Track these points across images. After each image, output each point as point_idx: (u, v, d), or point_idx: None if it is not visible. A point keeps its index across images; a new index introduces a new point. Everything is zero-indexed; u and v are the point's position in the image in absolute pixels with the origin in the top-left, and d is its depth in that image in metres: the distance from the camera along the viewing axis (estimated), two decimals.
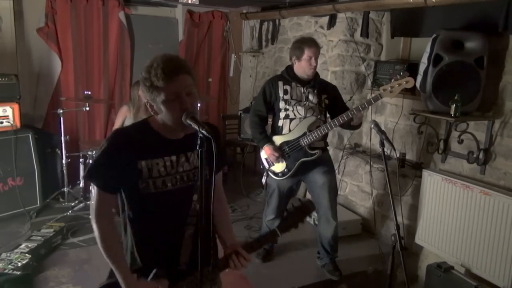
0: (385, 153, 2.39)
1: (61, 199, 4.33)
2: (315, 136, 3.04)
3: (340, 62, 4.24)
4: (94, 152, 4.04)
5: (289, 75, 3.16)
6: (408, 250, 3.48)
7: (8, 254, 3.14)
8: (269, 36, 5.57)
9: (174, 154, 1.57)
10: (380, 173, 3.86)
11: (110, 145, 1.53)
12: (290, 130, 3.13)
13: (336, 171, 3.67)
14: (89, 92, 4.39)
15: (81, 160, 4.28)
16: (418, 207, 3.38)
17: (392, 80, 2.85)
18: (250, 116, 3.30)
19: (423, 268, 3.28)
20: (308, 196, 4.68)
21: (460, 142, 3.11)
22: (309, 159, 3.11)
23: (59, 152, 4.31)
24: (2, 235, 3.62)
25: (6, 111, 3.87)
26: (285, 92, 3.13)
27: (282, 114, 3.15)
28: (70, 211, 4.08)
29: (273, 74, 5.71)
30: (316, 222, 3.51)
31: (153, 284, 1.54)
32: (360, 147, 4.34)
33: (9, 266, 2.98)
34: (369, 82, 4.17)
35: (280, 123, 3.17)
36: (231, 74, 5.98)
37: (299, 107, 3.11)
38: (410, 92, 3.55)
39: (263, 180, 3.33)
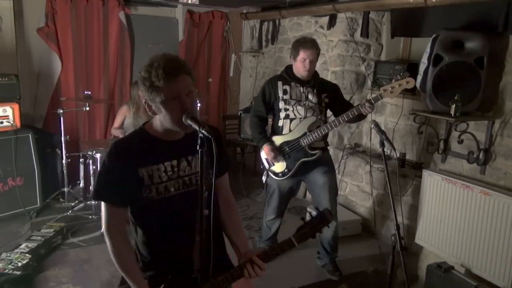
0: (385, 153, 2.39)
1: (61, 199, 4.34)
2: (315, 136, 3.04)
3: (340, 62, 4.24)
4: (94, 152, 4.04)
5: (288, 75, 3.16)
6: (408, 250, 3.48)
7: (8, 254, 3.14)
8: (269, 36, 5.57)
9: (175, 158, 1.57)
10: (380, 173, 3.86)
11: (109, 159, 1.53)
12: (290, 130, 3.13)
13: (336, 171, 3.67)
14: (89, 92, 4.39)
15: (81, 160, 4.28)
16: (418, 207, 3.38)
17: (393, 81, 2.84)
18: (250, 116, 3.30)
19: (423, 268, 3.28)
20: (308, 196, 4.68)
21: (460, 142, 3.11)
22: (309, 159, 3.10)
23: (59, 152, 4.31)
24: (2, 235, 3.62)
25: (6, 111, 3.87)
26: (285, 92, 3.13)
27: (282, 114, 3.15)
28: (70, 211, 4.07)
29: (273, 74, 5.71)
30: None
31: None
32: (360, 147, 4.34)
33: (9, 266, 2.97)
34: (369, 82, 4.17)
35: (280, 123, 3.17)
36: (231, 74, 5.98)
37: (299, 107, 3.11)
38: (410, 92, 3.54)
39: (263, 179, 3.33)
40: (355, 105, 3.13)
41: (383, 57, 4.24)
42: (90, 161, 4.10)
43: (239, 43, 5.94)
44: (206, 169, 1.41)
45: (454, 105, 2.85)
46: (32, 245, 3.29)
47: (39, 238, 3.42)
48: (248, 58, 6.04)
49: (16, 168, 3.88)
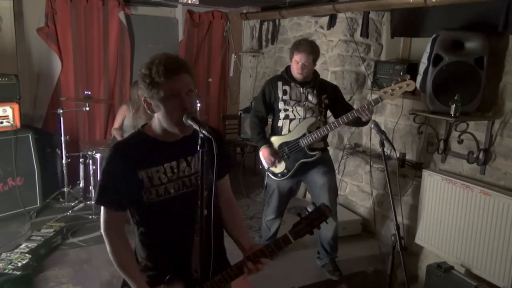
0: (385, 153, 2.39)
1: (61, 199, 4.34)
2: (315, 137, 3.04)
3: (340, 62, 4.24)
4: (94, 152, 4.05)
5: (288, 75, 3.15)
6: (408, 250, 3.49)
7: (8, 254, 3.14)
8: (269, 36, 5.57)
9: (174, 159, 1.56)
10: (380, 173, 3.86)
11: (109, 163, 1.53)
12: (289, 131, 3.13)
13: (336, 171, 3.67)
14: (89, 92, 4.39)
15: (81, 160, 4.28)
16: (418, 207, 3.38)
17: (393, 83, 2.84)
18: (250, 116, 3.30)
19: (423, 268, 3.28)
20: (308, 196, 4.68)
21: (460, 142, 3.11)
22: (309, 160, 3.10)
23: (59, 152, 4.31)
24: (2, 235, 3.62)
25: (6, 111, 3.87)
26: (284, 92, 3.13)
27: (281, 115, 3.15)
28: (70, 211, 4.08)
29: (273, 74, 5.70)
30: None
31: None
32: (360, 147, 4.34)
33: (9, 266, 2.97)
34: (369, 82, 4.17)
35: (279, 123, 3.17)
36: (231, 74, 5.98)
37: (298, 108, 3.10)
38: (410, 92, 3.55)
39: (265, 181, 3.33)
40: (355, 106, 3.13)
41: (383, 57, 4.24)
42: (90, 161, 4.10)
43: (239, 43, 5.94)
44: (206, 169, 1.41)
45: (454, 105, 2.85)
46: (32, 245, 3.29)
47: (39, 238, 3.42)
48: (248, 58, 6.04)
49: (16, 168, 3.88)
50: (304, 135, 3.07)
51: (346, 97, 3.74)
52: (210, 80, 5.74)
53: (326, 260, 3.29)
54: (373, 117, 3.94)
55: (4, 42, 4.27)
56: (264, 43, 5.74)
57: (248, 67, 6.06)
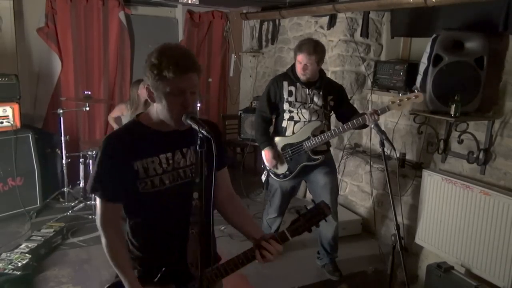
0: (385, 153, 2.39)
1: (61, 199, 4.34)
2: (319, 142, 3.02)
3: (340, 62, 4.24)
4: (94, 152, 4.05)
5: (293, 75, 3.10)
6: (408, 250, 3.49)
7: (8, 254, 3.14)
8: (269, 36, 5.57)
9: (169, 151, 1.55)
10: (380, 173, 3.86)
11: (103, 153, 1.51)
12: (293, 133, 3.11)
13: (336, 171, 3.67)
14: (89, 92, 4.40)
15: (81, 160, 4.28)
16: (418, 207, 3.38)
17: (401, 94, 2.82)
18: (255, 116, 3.27)
19: (423, 268, 3.27)
20: (308, 196, 4.68)
21: (460, 142, 3.11)
22: (311, 163, 3.10)
23: (59, 152, 4.31)
24: (2, 235, 3.62)
25: (6, 111, 3.88)
26: (290, 93, 3.09)
27: (286, 115, 3.13)
28: (70, 211, 4.08)
29: (273, 74, 5.71)
30: None
31: None
32: (360, 147, 4.34)
33: (9, 266, 2.98)
34: (369, 82, 4.17)
35: (284, 123, 3.15)
36: (231, 74, 5.98)
37: (303, 110, 3.07)
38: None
39: (263, 178, 3.32)
40: (355, 106, 3.12)
41: (383, 57, 4.24)
42: (90, 161, 4.10)
43: (239, 43, 5.94)
44: (202, 164, 1.40)
45: (454, 105, 2.85)
46: (32, 245, 3.30)
47: (39, 238, 3.42)
48: (248, 58, 6.04)
49: (16, 168, 3.88)
50: (308, 138, 3.05)
51: None
52: (210, 80, 5.74)
53: (326, 260, 3.29)
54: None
55: (4, 42, 4.27)
56: (264, 43, 5.74)
57: (248, 67, 6.06)
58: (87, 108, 4.21)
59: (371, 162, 3.86)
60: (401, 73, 3.58)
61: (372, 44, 4.22)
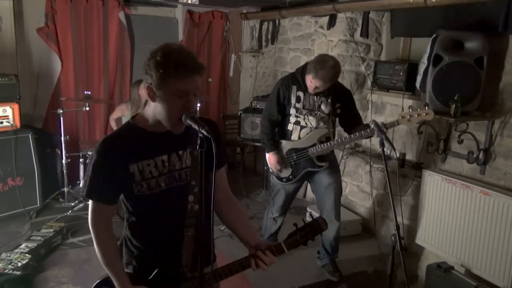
0: (385, 153, 2.38)
1: (61, 199, 4.34)
2: (325, 149, 3.02)
3: (340, 62, 4.23)
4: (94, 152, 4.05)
5: (302, 81, 3.05)
6: (408, 250, 3.48)
7: (8, 254, 3.14)
8: (269, 36, 5.57)
9: (165, 153, 1.54)
10: (380, 173, 3.86)
11: (98, 156, 1.51)
12: (299, 138, 3.11)
13: (340, 171, 3.67)
14: (89, 92, 4.40)
15: (81, 160, 4.28)
16: (418, 207, 3.38)
17: (411, 110, 2.78)
18: (262, 119, 3.26)
19: (423, 268, 3.28)
20: (308, 196, 4.68)
21: (460, 142, 3.11)
22: (316, 170, 3.11)
23: (59, 152, 4.32)
24: (2, 235, 3.62)
25: (6, 111, 3.88)
26: (298, 99, 3.07)
27: (292, 119, 3.13)
28: (70, 211, 4.08)
29: (273, 74, 5.73)
30: None
31: None
32: (360, 147, 4.34)
33: (9, 266, 2.98)
34: (369, 82, 4.17)
35: (289, 127, 3.14)
36: (231, 74, 5.98)
37: (310, 117, 3.07)
38: (410, 92, 3.56)
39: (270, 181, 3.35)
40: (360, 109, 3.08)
41: (383, 57, 4.24)
42: (90, 161, 4.10)
43: (239, 43, 5.93)
44: (197, 165, 1.40)
45: (454, 105, 2.85)
46: (32, 245, 3.30)
47: (39, 238, 3.43)
48: (248, 58, 6.03)
49: (16, 168, 3.89)
50: (314, 145, 3.05)
51: None
52: (210, 80, 5.74)
53: (326, 260, 3.29)
54: (373, 117, 3.97)
55: (4, 42, 4.27)
56: (264, 43, 5.74)
57: (248, 67, 6.06)
58: (87, 108, 4.22)
59: (371, 162, 3.85)
60: (401, 73, 3.58)
61: (372, 44, 4.21)
